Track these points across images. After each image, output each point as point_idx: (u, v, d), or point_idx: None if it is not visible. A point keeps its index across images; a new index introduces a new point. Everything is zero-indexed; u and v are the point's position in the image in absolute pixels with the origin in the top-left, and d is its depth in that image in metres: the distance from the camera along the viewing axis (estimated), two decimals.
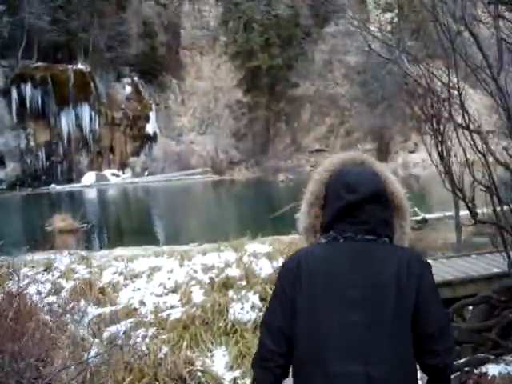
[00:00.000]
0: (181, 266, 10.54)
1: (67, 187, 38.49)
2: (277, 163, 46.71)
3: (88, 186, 40.09)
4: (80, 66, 44.14)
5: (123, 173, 45.11)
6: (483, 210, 6.01)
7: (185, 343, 7.42)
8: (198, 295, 8.98)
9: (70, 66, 43.46)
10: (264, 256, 10.15)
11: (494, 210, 5.95)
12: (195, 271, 10.07)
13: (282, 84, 50.12)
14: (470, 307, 7.13)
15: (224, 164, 47.72)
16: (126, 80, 47.94)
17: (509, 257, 6.13)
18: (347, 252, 2.19)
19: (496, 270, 7.33)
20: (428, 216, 16.66)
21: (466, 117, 5.80)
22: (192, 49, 52.17)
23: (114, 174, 43.93)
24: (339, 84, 54.52)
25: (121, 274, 10.22)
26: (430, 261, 7.12)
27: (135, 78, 48.07)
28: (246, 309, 7.99)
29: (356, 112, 51.57)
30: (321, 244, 2.28)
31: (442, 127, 6.05)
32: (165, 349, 7.18)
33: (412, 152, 45.78)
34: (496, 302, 6.47)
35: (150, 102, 48.09)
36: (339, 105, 52.68)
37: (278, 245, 11.11)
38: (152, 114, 47.37)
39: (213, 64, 51.84)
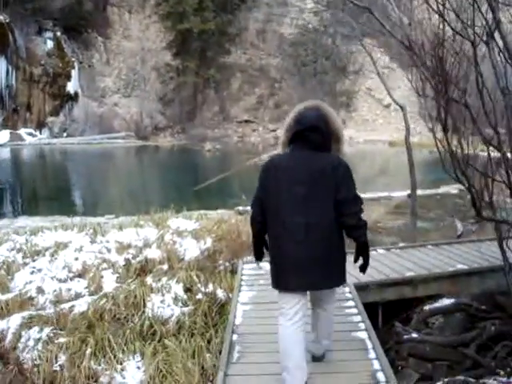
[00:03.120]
0: (92, 242, 9.01)
1: None
2: (204, 131, 45.47)
3: (1, 146, 37.47)
4: None
5: (40, 133, 42.57)
6: None
7: (88, 350, 5.79)
8: (109, 282, 7.45)
9: None
10: (190, 234, 8.88)
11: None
12: (108, 250, 8.68)
13: (213, 50, 48.64)
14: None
15: (148, 129, 46.05)
16: (48, 34, 45.03)
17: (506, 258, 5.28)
18: (297, 157, 3.94)
19: (460, 266, 6.61)
20: (362, 195, 16.04)
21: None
22: (120, 6, 49.77)
23: (30, 134, 41.33)
24: (271, 55, 53.66)
25: (19, 250, 8.54)
26: (381, 250, 6.21)
27: (58, 33, 45.19)
28: (168, 301, 6.51)
29: (286, 85, 50.89)
30: (285, 153, 4.08)
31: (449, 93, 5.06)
32: (62, 357, 5.76)
33: None
34: (475, 310, 5.63)
35: (73, 59, 45.41)
36: (270, 76, 51.85)
37: (205, 221, 9.87)
38: (74, 72, 44.78)
39: (142, 24, 49.67)
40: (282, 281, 3.91)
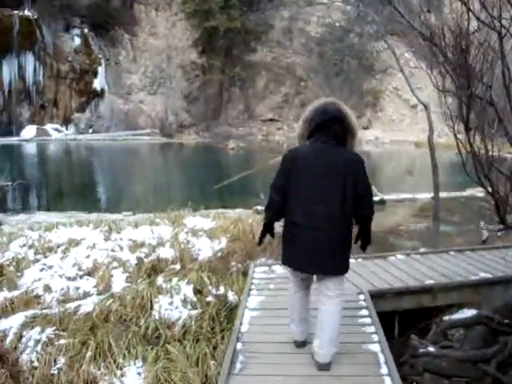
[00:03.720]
0: (106, 240, 8.90)
1: (5, 140, 36.05)
2: (228, 130, 45.29)
3: (27, 141, 37.70)
4: (27, 13, 41.22)
5: (66, 129, 42.81)
6: None
7: (89, 353, 5.56)
8: (119, 281, 7.27)
9: (15, 12, 40.41)
10: (205, 234, 8.65)
11: None
12: (121, 248, 8.49)
13: (238, 48, 48.42)
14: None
15: (173, 127, 45.98)
16: (76, 31, 45.22)
17: None
18: (319, 148, 4.18)
19: (483, 275, 6.25)
20: (386, 197, 15.82)
21: None
22: (147, 4, 49.78)
23: (56, 129, 41.55)
24: (297, 53, 53.28)
25: (31, 246, 8.35)
26: (400, 256, 5.88)
27: (85, 30, 45.35)
28: (176, 303, 6.32)
29: (312, 83, 50.47)
30: (306, 145, 4.31)
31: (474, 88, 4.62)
32: (61, 360, 5.52)
33: (366, 128, 45.17)
34: (497, 324, 5.19)
35: (100, 56, 45.58)
36: (296, 74, 51.48)
37: (222, 220, 9.65)
38: (101, 69, 44.95)
39: (168, 21, 49.64)
40: (295, 262, 4.31)
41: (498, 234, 10.92)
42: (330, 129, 4.13)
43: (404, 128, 51.21)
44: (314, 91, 49.14)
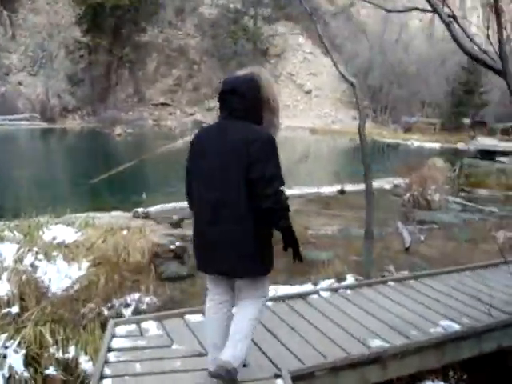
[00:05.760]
0: None
1: None
2: (116, 114, 42.18)
3: None
4: None
5: None
6: None
7: None
8: None
9: None
10: (62, 253, 6.40)
11: None
12: None
13: (128, 27, 45.54)
14: None
15: (56, 110, 42.28)
16: None
17: None
18: (217, 126, 3.47)
19: (447, 324, 4.26)
20: (288, 192, 14.19)
21: None
22: None
23: None
24: (190, 35, 51.33)
25: None
26: (325, 293, 3.97)
27: None
28: None
29: (206, 66, 48.66)
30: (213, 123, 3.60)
31: None
32: None
33: None
34: None
35: None
36: (188, 57, 49.46)
37: (91, 230, 7.47)
38: None
39: None
40: (199, 263, 3.55)
41: (422, 237, 9.52)
42: (229, 103, 3.42)
43: (298, 114, 50.54)
44: (208, 75, 47.57)
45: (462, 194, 15.36)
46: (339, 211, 11.73)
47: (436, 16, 4.35)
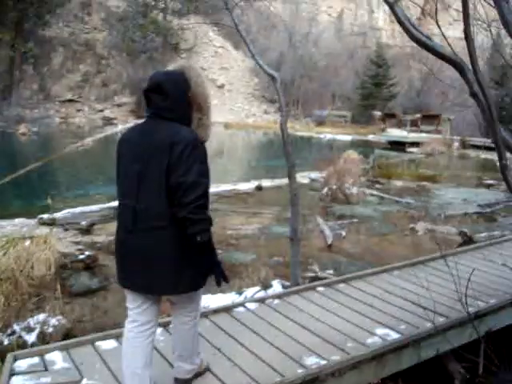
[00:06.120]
0: None
1: None
2: (20, 112, 40.20)
3: None
4: None
5: None
6: None
7: None
8: None
9: None
10: None
11: None
12: None
13: (31, 21, 43.44)
14: None
15: None
16: None
17: None
18: (140, 127, 3.12)
19: (383, 332, 3.92)
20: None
21: None
22: None
23: None
24: (97, 29, 49.81)
25: None
26: (252, 304, 3.61)
27: None
28: None
29: (114, 61, 47.33)
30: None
31: None
32: None
33: None
34: None
35: None
36: (96, 52, 47.95)
37: None
38: None
39: None
40: (118, 276, 3.16)
41: (343, 233, 9.34)
42: (154, 101, 3.08)
43: (212, 109, 50.07)
44: (117, 69, 46.39)
45: (378, 185, 15.45)
46: (258, 209, 11.42)
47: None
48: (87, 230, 8.41)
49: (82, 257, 6.53)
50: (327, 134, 39.35)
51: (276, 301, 4.47)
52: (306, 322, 4.08)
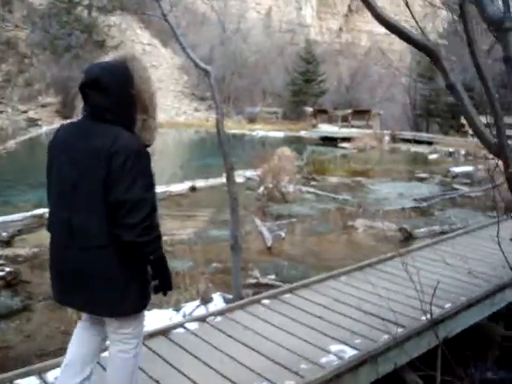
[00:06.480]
0: None
1: None
2: None
3: None
4: None
5: None
6: None
7: None
8: None
9: None
10: None
11: None
12: None
13: None
14: None
15: None
16: None
17: None
18: (80, 127, 2.65)
19: (338, 349, 3.58)
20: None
21: None
22: None
23: None
24: (19, 27, 47.90)
25: None
26: (192, 324, 3.23)
27: None
28: None
29: (38, 60, 45.61)
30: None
31: None
32: None
33: None
34: None
35: None
36: (18, 51, 46.05)
37: None
38: None
39: None
40: (54, 292, 2.77)
41: (282, 234, 9.02)
42: (91, 99, 2.62)
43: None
44: (41, 69, 44.78)
45: (314, 182, 15.26)
46: (193, 211, 10.98)
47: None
48: (8, 242, 7.69)
49: (1, 273, 5.92)
50: (259, 131, 39.12)
51: (218, 318, 4.06)
52: (252, 341, 3.70)
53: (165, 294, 2.73)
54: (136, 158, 2.50)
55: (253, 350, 3.59)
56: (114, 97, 2.61)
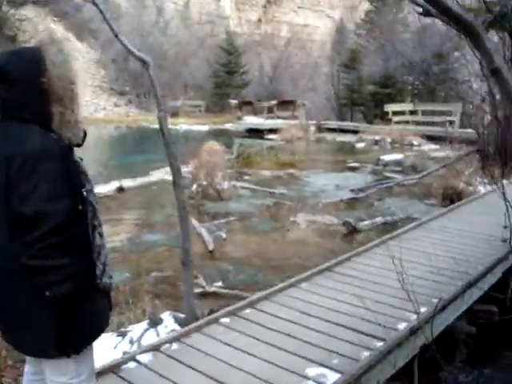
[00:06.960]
0: None
1: None
2: None
3: None
4: None
5: None
6: None
7: None
8: None
9: None
10: None
11: None
12: None
13: None
14: None
15: None
16: None
17: None
18: None
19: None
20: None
21: None
22: None
23: None
24: None
25: None
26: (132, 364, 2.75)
27: None
28: None
29: None
30: None
31: None
32: None
33: None
34: None
35: None
36: None
37: None
38: None
39: None
40: None
41: (223, 235, 8.49)
42: (1, 95, 2.13)
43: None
44: None
45: (246, 177, 14.80)
46: (123, 214, 10.27)
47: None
48: None
49: None
50: (183, 125, 38.32)
51: (174, 345, 3.50)
52: (215, 371, 3.17)
53: (68, 356, 2.13)
54: (36, 162, 2.04)
55: (217, 381, 3.07)
56: (22, 88, 2.15)
